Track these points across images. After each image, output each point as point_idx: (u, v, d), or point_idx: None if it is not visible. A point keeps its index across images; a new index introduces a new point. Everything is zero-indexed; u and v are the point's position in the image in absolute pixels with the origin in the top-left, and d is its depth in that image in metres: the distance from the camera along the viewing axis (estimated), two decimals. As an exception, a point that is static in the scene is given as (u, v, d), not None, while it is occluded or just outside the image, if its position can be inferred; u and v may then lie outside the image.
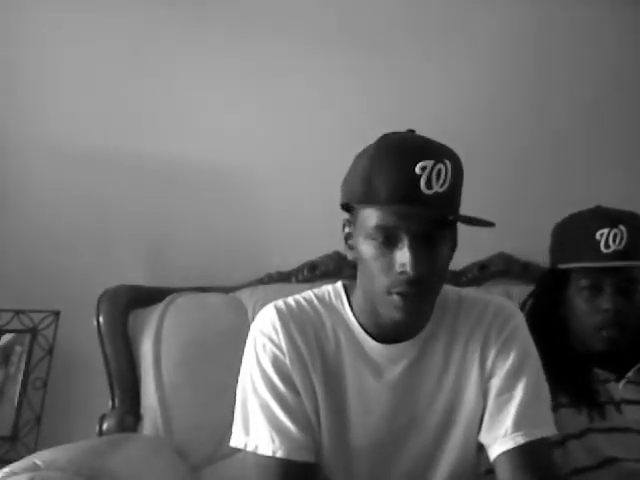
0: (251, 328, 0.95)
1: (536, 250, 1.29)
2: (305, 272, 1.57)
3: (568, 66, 1.77)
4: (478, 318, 0.93)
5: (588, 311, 1.13)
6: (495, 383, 0.90)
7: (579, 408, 1.09)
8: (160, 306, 1.40)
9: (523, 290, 1.34)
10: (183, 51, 1.68)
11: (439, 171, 0.79)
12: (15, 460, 0.98)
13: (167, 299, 1.42)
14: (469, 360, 0.92)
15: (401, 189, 0.79)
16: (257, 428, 0.88)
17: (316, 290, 0.97)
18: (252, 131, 1.67)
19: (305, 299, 0.95)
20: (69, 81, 1.66)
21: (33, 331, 1.53)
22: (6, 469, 0.92)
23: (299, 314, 0.92)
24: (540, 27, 1.77)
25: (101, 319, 1.36)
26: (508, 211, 1.63)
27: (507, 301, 1.00)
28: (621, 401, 1.11)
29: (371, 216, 0.82)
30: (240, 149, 1.66)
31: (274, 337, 0.90)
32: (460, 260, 1.59)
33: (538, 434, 0.86)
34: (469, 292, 1.00)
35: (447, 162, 0.81)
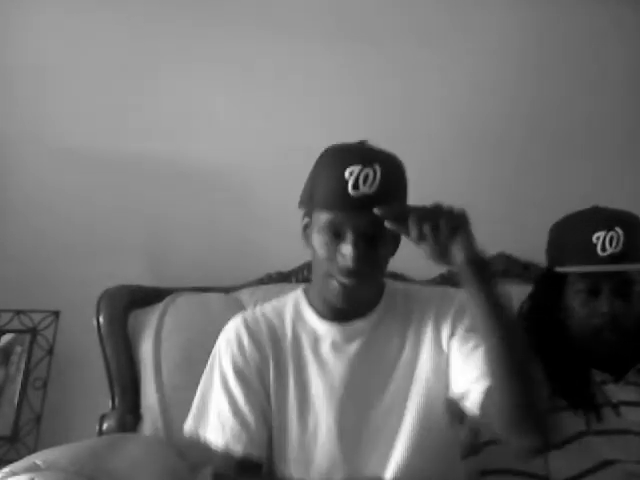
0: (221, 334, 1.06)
1: (536, 250, 1.29)
2: (305, 272, 1.57)
3: (568, 65, 1.77)
4: (427, 299, 1.04)
5: (586, 314, 1.13)
6: (457, 339, 0.97)
7: (576, 411, 1.09)
8: (160, 306, 1.40)
9: (523, 290, 1.34)
10: (183, 51, 1.68)
11: (367, 175, 0.90)
12: (15, 460, 0.98)
13: (167, 299, 1.42)
14: (423, 332, 1.00)
15: (332, 192, 0.92)
16: (210, 421, 1.00)
17: (280, 298, 1.10)
18: (252, 131, 1.67)
19: (271, 305, 1.08)
20: (69, 81, 1.67)
21: (33, 331, 1.53)
22: (6, 469, 0.93)
23: (261, 319, 1.04)
24: (541, 26, 1.77)
25: (101, 319, 1.36)
26: (508, 211, 1.63)
27: (450, 289, 1.08)
28: (619, 403, 1.11)
29: (321, 216, 0.94)
30: (240, 149, 1.66)
31: (235, 342, 1.02)
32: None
33: None
34: (415, 286, 1.17)
35: (376, 166, 0.91)
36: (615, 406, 1.11)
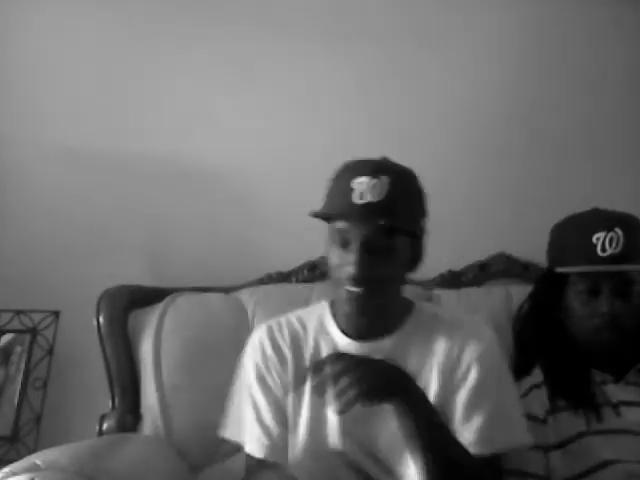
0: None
1: (536, 250, 1.29)
2: (305, 272, 1.57)
3: (569, 65, 1.77)
4: (450, 336, 1.01)
5: (586, 314, 1.13)
6: (460, 397, 0.97)
7: (576, 411, 1.09)
8: (160, 306, 1.40)
9: (523, 290, 1.34)
10: (183, 51, 1.68)
11: (374, 184, 0.92)
12: (15, 460, 0.98)
13: (167, 299, 1.42)
14: (440, 362, 0.99)
15: (339, 202, 0.95)
16: (243, 426, 1.02)
17: (308, 307, 1.13)
18: (252, 131, 1.67)
19: (297, 314, 1.09)
20: (68, 81, 1.67)
21: (33, 331, 1.53)
22: (6, 469, 0.93)
23: (285, 326, 1.06)
24: (541, 26, 1.77)
25: (101, 319, 1.36)
26: (508, 211, 1.63)
27: (481, 323, 1.08)
28: (619, 403, 1.11)
29: (332, 227, 0.97)
30: (240, 149, 1.66)
31: (259, 350, 1.05)
32: (460, 260, 1.59)
33: (491, 449, 0.94)
34: (445, 311, 1.12)
35: (383, 177, 0.93)
36: (615, 406, 1.11)
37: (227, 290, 1.49)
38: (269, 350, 1.03)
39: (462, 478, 0.90)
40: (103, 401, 1.36)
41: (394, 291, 1.02)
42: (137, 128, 1.65)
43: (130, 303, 1.40)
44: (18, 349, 1.52)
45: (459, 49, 1.74)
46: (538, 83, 1.75)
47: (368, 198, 0.92)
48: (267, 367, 1.02)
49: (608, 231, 1.11)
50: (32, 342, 1.52)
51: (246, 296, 1.45)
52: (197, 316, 1.40)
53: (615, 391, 1.13)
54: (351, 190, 0.93)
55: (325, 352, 1.01)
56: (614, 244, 1.10)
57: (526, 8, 1.76)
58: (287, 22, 1.71)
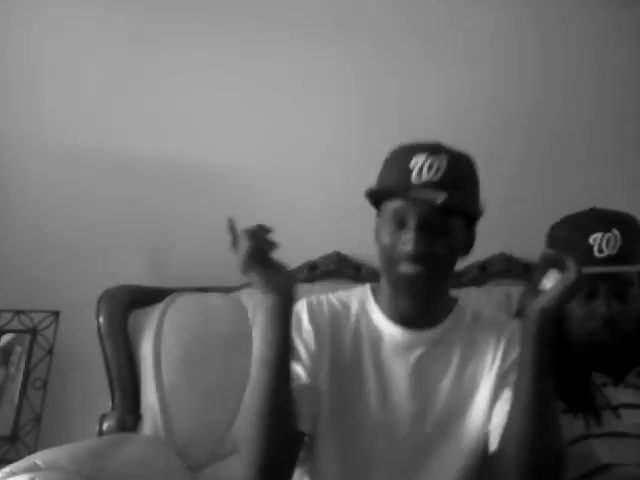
0: None
1: (536, 250, 1.29)
2: (305, 272, 1.57)
3: (568, 66, 1.77)
4: (495, 335, 1.00)
5: (584, 316, 1.12)
6: (506, 376, 0.95)
7: (576, 414, 1.09)
8: (160, 306, 1.40)
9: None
10: (183, 52, 1.68)
11: (432, 164, 0.91)
12: (15, 460, 0.98)
13: (167, 299, 1.42)
14: (484, 358, 0.98)
15: (396, 181, 0.94)
16: None
17: (349, 290, 1.08)
18: (252, 131, 1.67)
19: (337, 294, 1.05)
20: (68, 81, 1.66)
21: (33, 331, 1.53)
22: (6, 469, 0.93)
23: (326, 304, 1.02)
24: (541, 27, 1.76)
25: (101, 319, 1.36)
26: (509, 211, 1.63)
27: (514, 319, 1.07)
28: (619, 406, 1.11)
29: (387, 207, 0.95)
30: (240, 149, 1.66)
31: (302, 316, 0.99)
32: (460, 260, 1.59)
33: None
34: (483, 312, 1.08)
35: (443, 156, 0.92)
36: (615, 409, 1.10)
37: (227, 290, 1.49)
38: (306, 323, 0.98)
39: (554, 431, 0.88)
40: (103, 401, 1.36)
41: (446, 278, 0.99)
42: (137, 128, 1.65)
43: (130, 303, 1.40)
44: (18, 349, 1.52)
45: (459, 48, 1.74)
46: (539, 82, 1.75)
47: (426, 176, 0.90)
48: (302, 339, 0.97)
49: (605, 232, 1.10)
50: (32, 342, 1.52)
51: (246, 296, 1.45)
52: (197, 316, 1.40)
53: (615, 394, 1.12)
54: (409, 168, 0.91)
55: (365, 336, 0.98)
56: (611, 245, 1.09)
57: (527, 8, 1.76)
58: (287, 22, 1.71)
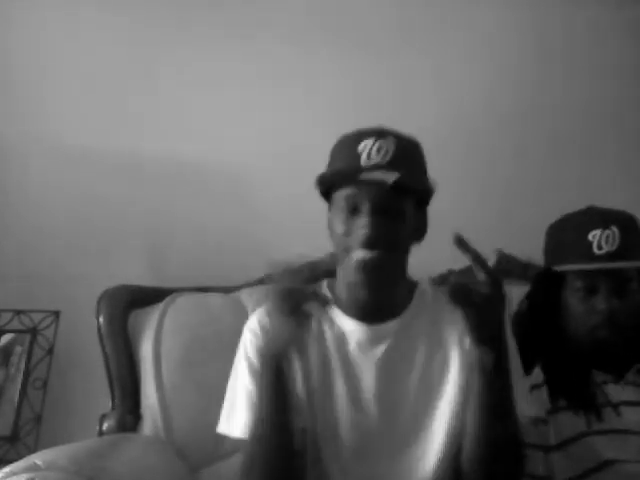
0: (243, 329, 1.03)
1: (536, 250, 1.29)
2: (305, 272, 1.57)
3: (565, 65, 1.77)
4: (460, 325, 0.96)
5: (583, 312, 1.13)
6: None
7: (577, 411, 1.09)
8: (160, 306, 1.40)
9: (523, 290, 1.34)
10: (183, 52, 1.69)
11: (380, 146, 0.91)
12: (15, 460, 0.98)
13: (167, 299, 1.42)
14: (451, 343, 0.97)
15: (346, 167, 0.93)
16: (240, 415, 0.95)
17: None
18: (252, 131, 1.67)
19: None
20: (69, 81, 1.67)
21: (33, 331, 1.53)
22: (6, 469, 0.92)
23: None
24: (537, 26, 1.77)
25: (101, 319, 1.36)
26: (508, 211, 1.63)
27: None
28: (620, 403, 1.11)
29: (339, 194, 0.93)
30: (240, 149, 1.66)
31: (260, 334, 0.98)
32: (460, 260, 1.59)
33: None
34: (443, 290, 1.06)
35: (390, 138, 0.93)
36: (615, 406, 1.11)
37: (227, 290, 1.49)
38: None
39: (508, 453, 0.87)
40: (103, 401, 1.35)
41: (402, 263, 0.97)
42: (137, 127, 1.65)
43: (130, 303, 1.40)
44: (18, 349, 1.52)
45: (455, 48, 1.75)
46: (535, 82, 1.75)
47: (376, 159, 0.90)
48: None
49: (604, 229, 1.11)
50: (32, 342, 1.52)
51: (246, 296, 1.45)
52: (197, 316, 1.40)
53: (615, 391, 1.13)
54: (357, 153, 0.91)
55: (329, 336, 0.97)
56: (610, 242, 1.10)
57: (523, 7, 1.76)
58: (286, 23, 1.71)
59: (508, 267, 1.62)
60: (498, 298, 0.82)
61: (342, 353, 0.97)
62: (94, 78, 1.67)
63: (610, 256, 1.10)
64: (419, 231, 0.98)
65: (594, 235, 1.11)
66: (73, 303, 1.53)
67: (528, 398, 0.97)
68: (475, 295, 0.80)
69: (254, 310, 1.39)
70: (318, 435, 0.94)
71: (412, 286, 1.03)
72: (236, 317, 1.41)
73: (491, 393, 0.86)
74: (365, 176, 0.89)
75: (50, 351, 1.53)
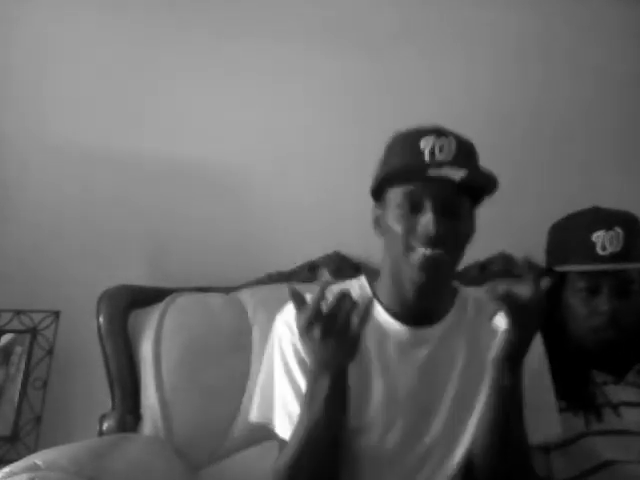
0: (275, 319, 1.01)
1: (537, 250, 1.29)
2: (305, 272, 1.57)
3: (566, 66, 1.77)
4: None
5: (585, 313, 1.13)
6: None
7: (576, 412, 1.09)
8: (160, 306, 1.40)
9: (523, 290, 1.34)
10: (183, 52, 1.68)
11: (442, 144, 0.90)
12: (15, 460, 0.98)
13: (167, 299, 1.42)
14: (486, 369, 0.94)
15: (408, 164, 0.90)
16: (276, 411, 0.95)
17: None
18: (252, 131, 1.67)
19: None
20: (69, 81, 1.66)
21: (33, 331, 1.53)
22: (6, 469, 0.92)
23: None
24: (538, 27, 1.76)
25: (101, 319, 1.36)
26: (509, 211, 1.63)
27: None
28: (620, 403, 1.11)
29: (397, 191, 0.91)
30: (240, 149, 1.66)
31: (294, 328, 0.91)
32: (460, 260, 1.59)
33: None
34: (483, 299, 1.03)
35: (450, 137, 0.91)
36: (615, 407, 1.11)
37: (227, 290, 1.49)
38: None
39: (520, 468, 0.88)
40: (103, 401, 1.35)
41: (458, 263, 0.96)
42: (138, 127, 1.65)
43: (130, 303, 1.40)
44: (18, 349, 1.52)
45: (454, 50, 1.74)
46: (538, 82, 1.75)
47: (440, 157, 0.89)
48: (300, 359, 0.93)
49: (608, 230, 1.11)
50: (32, 342, 1.52)
51: (246, 296, 1.45)
52: (197, 316, 1.40)
53: (615, 392, 1.13)
54: (419, 150, 0.89)
55: (369, 333, 0.92)
56: (614, 243, 1.10)
57: (524, 8, 1.76)
58: (287, 23, 1.71)
59: (508, 268, 1.63)
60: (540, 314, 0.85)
61: (382, 352, 0.95)
62: (94, 78, 1.66)
63: (614, 257, 1.10)
64: (472, 231, 0.97)
65: (598, 236, 1.11)
66: (73, 303, 1.53)
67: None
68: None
69: (254, 310, 1.40)
70: (350, 432, 0.92)
71: (454, 291, 1.02)
72: (236, 317, 1.41)
73: (503, 412, 0.87)
74: (433, 172, 0.87)
75: (50, 351, 1.53)
